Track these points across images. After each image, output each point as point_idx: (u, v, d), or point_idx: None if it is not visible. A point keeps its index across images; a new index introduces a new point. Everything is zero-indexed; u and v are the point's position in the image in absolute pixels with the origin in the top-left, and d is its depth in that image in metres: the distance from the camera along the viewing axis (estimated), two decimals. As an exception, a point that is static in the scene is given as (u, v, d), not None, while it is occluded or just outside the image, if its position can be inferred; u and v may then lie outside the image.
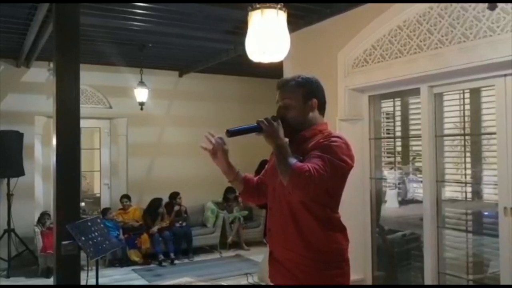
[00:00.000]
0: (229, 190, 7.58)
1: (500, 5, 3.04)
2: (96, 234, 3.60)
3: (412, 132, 4.29)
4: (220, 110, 8.01)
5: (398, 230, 4.53)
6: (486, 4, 3.02)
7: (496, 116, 3.38)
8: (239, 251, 7.37)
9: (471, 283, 3.70)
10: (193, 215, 7.50)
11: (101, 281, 3.99)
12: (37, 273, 6.07)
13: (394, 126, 4.51)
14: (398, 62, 3.87)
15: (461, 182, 3.81)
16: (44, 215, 6.36)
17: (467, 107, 3.75)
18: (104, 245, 3.64)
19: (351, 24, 4.28)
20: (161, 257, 6.68)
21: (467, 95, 3.74)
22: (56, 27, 3.58)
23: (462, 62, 3.34)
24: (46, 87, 6.18)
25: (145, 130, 7.68)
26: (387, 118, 4.54)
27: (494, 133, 3.42)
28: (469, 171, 3.77)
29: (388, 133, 4.54)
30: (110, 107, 7.50)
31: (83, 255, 3.51)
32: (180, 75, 8.00)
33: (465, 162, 3.76)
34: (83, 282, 3.64)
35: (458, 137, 3.86)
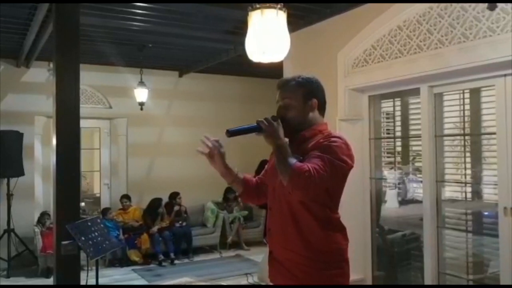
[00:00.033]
0: (229, 190, 7.58)
1: (500, 5, 3.04)
2: (96, 234, 3.60)
3: (412, 132, 4.29)
4: (220, 110, 8.01)
5: (398, 230, 4.53)
6: (486, 4, 3.02)
7: (496, 116, 3.38)
8: (239, 251, 7.37)
9: (471, 283, 3.70)
10: (193, 215, 7.50)
11: (101, 281, 3.99)
12: (37, 273, 6.06)
13: (394, 126, 4.51)
14: (398, 62, 3.87)
15: (461, 182, 3.81)
16: (44, 215, 6.36)
17: (467, 107, 3.75)
18: (104, 245, 3.64)
19: (351, 24, 4.28)
20: (161, 257, 6.68)
21: (467, 95, 3.74)
22: (56, 27, 3.58)
23: (462, 62, 3.34)
24: (46, 87, 6.18)
25: (145, 130, 7.68)
26: (387, 118, 4.54)
27: (494, 133, 3.42)
28: (469, 171, 3.77)
29: (388, 133, 4.54)
30: (110, 107, 7.50)
31: (83, 255, 3.51)
32: (180, 75, 8.00)
33: (465, 162, 3.76)
34: (83, 282, 3.64)
35: (458, 137, 3.86)
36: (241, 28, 4.58)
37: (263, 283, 5.23)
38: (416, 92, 3.95)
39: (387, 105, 4.50)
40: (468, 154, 3.77)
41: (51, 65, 5.79)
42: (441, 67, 3.49)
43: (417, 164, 4.27)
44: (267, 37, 2.30)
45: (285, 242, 1.92)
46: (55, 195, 3.49)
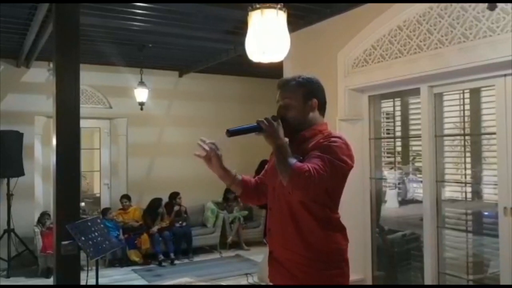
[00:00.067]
0: (229, 190, 7.57)
1: (500, 5, 3.04)
2: (96, 234, 3.60)
3: (412, 132, 4.29)
4: (220, 110, 8.01)
5: (398, 230, 4.53)
6: (486, 4, 3.02)
7: (496, 116, 3.38)
8: (239, 251, 7.37)
9: (471, 283, 3.70)
10: (193, 215, 7.50)
11: (101, 281, 3.99)
12: (37, 273, 6.07)
13: (394, 126, 4.51)
14: (398, 62, 3.87)
15: (461, 182, 3.81)
16: (44, 215, 6.36)
17: (467, 107, 3.75)
18: (104, 245, 3.64)
19: (351, 24, 4.28)
20: (161, 257, 6.68)
21: (467, 95, 3.73)
22: (56, 27, 3.58)
23: (462, 62, 3.34)
24: (46, 87, 6.18)
25: (145, 130, 7.68)
26: (387, 118, 4.54)
27: (494, 133, 3.42)
28: (469, 171, 3.76)
29: (388, 133, 4.54)
30: (110, 107, 7.50)
31: (83, 255, 3.51)
32: (180, 75, 8.00)
33: (465, 162, 3.76)
34: (83, 282, 3.64)
35: (458, 137, 3.85)
36: (241, 28, 4.58)
37: (263, 283, 5.23)
38: (416, 92, 3.95)
39: (387, 105, 4.50)
40: (468, 154, 3.77)
41: (51, 65, 5.79)
42: (441, 67, 3.49)
43: (417, 164, 4.27)
44: (267, 37, 2.30)
45: (285, 242, 1.92)
46: (55, 195, 3.49)
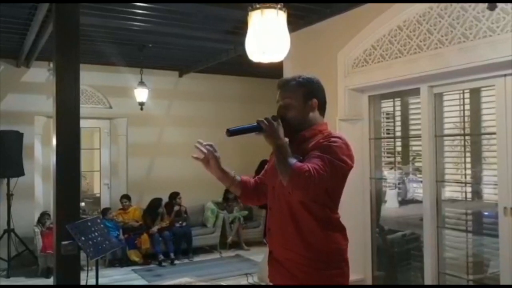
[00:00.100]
0: (229, 190, 7.52)
1: (500, 5, 3.04)
2: (96, 234, 3.60)
3: (412, 132, 4.29)
4: (220, 110, 8.01)
5: (398, 230, 4.53)
6: (486, 4, 3.02)
7: (496, 116, 3.38)
8: (239, 251, 7.37)
9: (471, 283, 3.70)
10: (193, 215, 7.50)
11: (101, 281, 3.99)
12: (37, 273, 6.07)
13: (394, 126, 4.51)
14: (398, 62, 3.87)
15: (461, 182, 3.81)
16: (44, 215, 6.36)
17: (467, 107, 3.75)
18: (104, 245, 3.64)
19: (351, 24, 4.28)
20: (161, 257, 6.68)
21: (467, 95, 3.74)
22: (56, 27, 3.58)
23: (462, 62, 3.34)
24: (46, 87, 6.19)
25: (145, 130, 7.68)
26: (387, 118, 4.54)
27: (494, 133, 3.42)
28: (469, 171, 3.77)
29: (388, 133, 4.54)
30: (110, 107, 7.50)
31: (83, 255, 3.50)
32: (180, 75, 8.00)
33: (465, 162, 3.76)
34: (83, 282, 3.64)
35: (458, 137, 3.85)
36: (241, 28, 4.58)
37: (263, 283, 5.23)
38: (416, 92, 3.95)
39: (387, 105, 4.50)
40: (468, 154, 3.77)
41: (51, 65, 5.80)
42: (441, 67, 3.49)
43: (417, 164, 4.27)
44: (267, 37, 2.30)
45: (285, 242, 1.92)
46: (55, 195, 3.49)
